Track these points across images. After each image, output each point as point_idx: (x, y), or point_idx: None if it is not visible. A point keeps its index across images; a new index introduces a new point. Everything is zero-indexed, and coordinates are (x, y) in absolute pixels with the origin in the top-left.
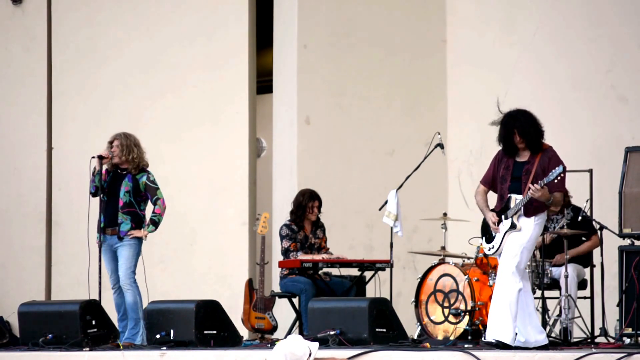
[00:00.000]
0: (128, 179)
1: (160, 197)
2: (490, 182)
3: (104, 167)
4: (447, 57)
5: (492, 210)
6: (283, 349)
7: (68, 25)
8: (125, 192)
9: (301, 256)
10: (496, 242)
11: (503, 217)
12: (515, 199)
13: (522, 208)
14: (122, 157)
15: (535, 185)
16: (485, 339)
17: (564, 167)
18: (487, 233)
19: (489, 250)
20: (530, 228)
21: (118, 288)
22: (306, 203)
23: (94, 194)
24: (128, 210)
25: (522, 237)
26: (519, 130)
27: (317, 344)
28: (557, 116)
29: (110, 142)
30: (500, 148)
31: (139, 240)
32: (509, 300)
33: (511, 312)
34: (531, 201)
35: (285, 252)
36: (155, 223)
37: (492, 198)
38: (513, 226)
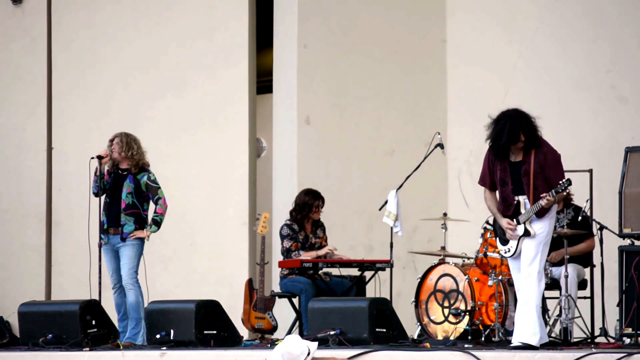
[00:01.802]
0: (129, 180)
1: (162, 196)
2: (489, 182)
3: (105, 167)
4: (447, 57)
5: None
6: (280, 349)
7: (68, 25)
8: (127, 194)
9: (304, 255)
10: (512, 246)
11: (515, 220)
12: (525, 204)
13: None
14: (121, 154)
15: (547, 196)
16: (512, 343)
17: (569, 181)
18: (502, 235)
19: (506, 253)
20: (544, 226)
21: (119, 288)
22: (312, 202)
23: (96, 194)
24: (131, 211)
25: (538, 236)
26: (524, 130)
27: (316, 343)
28: (557, 116)
29: (111, 140)
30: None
31: (142, 240)
32: (536, 303)
33: (539, 314)
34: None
35: (287, 252)
36: (157, 223)
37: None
38: (527, 233)
